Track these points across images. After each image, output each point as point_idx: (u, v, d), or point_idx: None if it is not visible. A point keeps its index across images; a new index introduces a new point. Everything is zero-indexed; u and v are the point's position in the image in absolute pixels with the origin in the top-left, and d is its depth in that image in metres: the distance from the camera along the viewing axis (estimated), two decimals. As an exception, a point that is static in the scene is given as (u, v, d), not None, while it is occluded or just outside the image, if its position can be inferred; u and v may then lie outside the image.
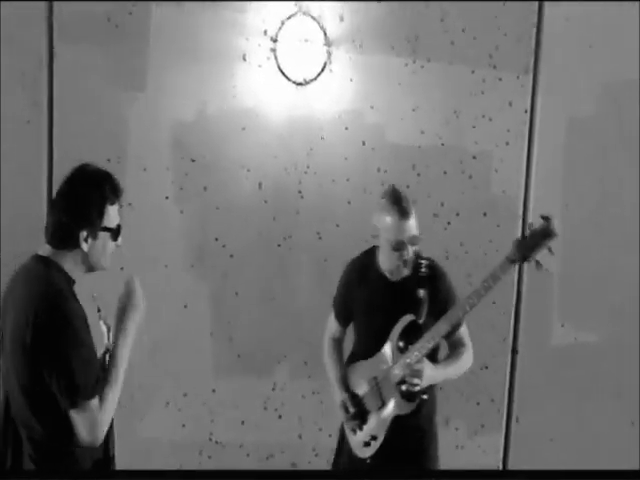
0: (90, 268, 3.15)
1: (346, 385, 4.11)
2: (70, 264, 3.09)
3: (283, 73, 4.92)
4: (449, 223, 5.17)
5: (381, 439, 3.96)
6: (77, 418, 2.97)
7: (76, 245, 3.06)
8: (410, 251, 3.79)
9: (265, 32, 4.91)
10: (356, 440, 4.07)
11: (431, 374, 3.76)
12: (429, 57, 5.04)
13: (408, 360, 3.78)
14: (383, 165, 5.07)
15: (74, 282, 3.10)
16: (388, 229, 3.77)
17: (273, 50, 4.91)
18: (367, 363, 4.02)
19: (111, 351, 3.16)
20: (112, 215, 3.13)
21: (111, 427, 3.15)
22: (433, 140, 5.09)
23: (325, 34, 4.92)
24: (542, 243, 3.51)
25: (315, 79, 4.96)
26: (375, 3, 4.98)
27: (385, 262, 3.89)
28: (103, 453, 3.19)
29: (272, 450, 5.25)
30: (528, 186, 5.20)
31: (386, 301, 3.91)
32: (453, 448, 5.28)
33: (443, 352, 4.03)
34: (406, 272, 3.86)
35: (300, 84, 4.95)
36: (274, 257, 5.10)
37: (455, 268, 5.00)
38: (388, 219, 3.76)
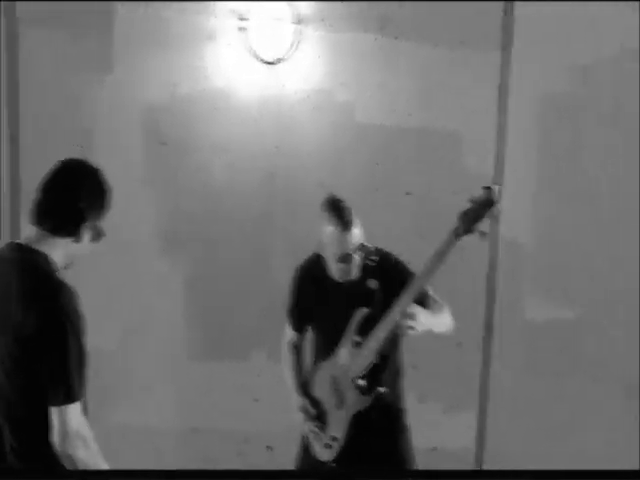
0: (70, 262, 3.12)
1: (304, 390, 4.09)
2: (57, 253, 3.06)
3: (253, 52, 4.93)
4: (421, 201, 5.20)
5: (341, 440, 3.93)
6: (63, 415, 2.95)
7: (73, 234, 3.05)
8: (357, 258, 3.75)
9: (234, 11, 4.90)
10: (318, 443, 4.04)
11: (424, 320, 3.64)
12: (398, 34, 5.06)
13: (365, 352, 3.76)
14: (354, 143, 5.10)
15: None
16: (332, 242, 3.71)
17: (243, 29, 4.92)
18: (327, 364, 3.98)
19: None
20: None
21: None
22: (404, 117, 5.13)
23: (295, 12, 4.92)
24: (484, 213, 3.48)
25: (285, 58, 4.97)
26: (343, -20, 4.99)
27: (333, 270, 3.84)
28: None
29: (248, 434, 5.28)
30: (499, 161, 5.23)
31: (339, 301, 3.87)
32: (428, 426, 5.29)
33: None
34: (355, 275, 3.82)
35: (270, 63, 4.97)
36: (247, 239, 5.13)
37: (429, 247, 5.04)
38: (331, 232, 3.69)
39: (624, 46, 5.19)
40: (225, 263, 5.13)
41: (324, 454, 4.00)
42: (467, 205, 3.52)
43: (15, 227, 4.94)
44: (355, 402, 3.86)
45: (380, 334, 3.70)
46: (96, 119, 4.90)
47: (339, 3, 4.98)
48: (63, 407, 2.94)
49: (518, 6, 5.12)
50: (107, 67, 4.88)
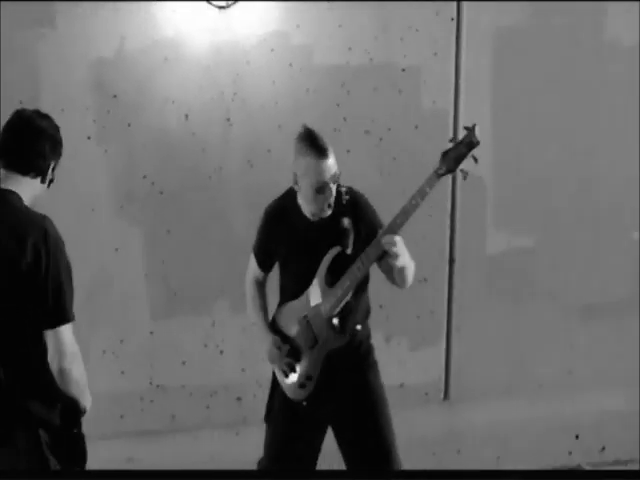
0: (34, 204, 3.33)
1: (274, 329, 4.09)
2: (25, 193, 3.29)
3: (203, -4, 4.79)
4: (381, 139, 5.18)
5: (316, 378, 3.96)
6: (59, 337, 3.19)
7: (40, 173, 3.32)
8: (333, 190, 3.75)
9: (179, -47, 4.71)
10: (289, 383, 4.04)
11: (406, 251, 3.69)
12: (353, -30, 4.97)
13: (339, 291, 3.78)
14: (312, 85, 5.03)
15: None
16: (308, 172, 3.70)
17: (191, -28, 4.72)
18: (296, 303, 3.99)
19: None
20: None
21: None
22: (361, 56, 5.07)
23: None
24: (466, 153, 3.55)
25: (237, 1, 4.81)
26: None
27: (308, 206, 3.83)
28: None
29: (215, 387, 5.24)
30: (458, 97, 5.24)
31: (310, 240, 3.87)
32: (395, 364, 5.35)
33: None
34: (329, 212, 3.81)
35: (222, 7, 4.81)
36: (205, 190, 5.03)
37: (389, 184, 5.06)
38: (307, 162, 3.69)
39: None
40: (183, 216, 5.02)
41: (297, 394, 4.03)
42: (448, 145, 3.61)
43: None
44: (331, 341, 3.89)
45: (357, 272, 3.74)
46: (41, 75, 4.68)
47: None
48: (59, 328, 3.19)
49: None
50: (49, 20, 4.64)
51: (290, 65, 4.97)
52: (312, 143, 3.68)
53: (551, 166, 5.46)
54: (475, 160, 3.56)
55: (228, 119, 4.95)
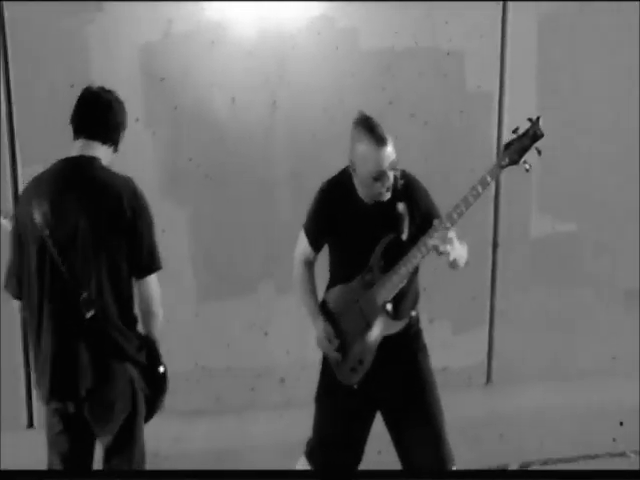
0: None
1: (324, 310, 4.09)
2: (104, 160, 3.68)
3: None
4: (426, 123, 5.20)
5: (369, 363, 3.96)
6: (150, 284, 3.66)
7: (115, 142, 3.74)
8: (391, 177, 3.72)
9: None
10: (341, 367, 4.04)
11: (458, 247, 3.71)
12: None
13: (394, 277, 3.78)
14: (358, 69, 5.06)
15: None
16: (366, 160, 3.68)
17: (237, -42, 4.77)
18: (348, 287, 3.97)
19: None
20: None
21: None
22: (407, 40, 5.08)
23: None
24: (530, 145, 3.56)
25: (283, -15, 4.86)
26: None
27: (365, 191, 3.81)
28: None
29: (260, 370, 5.30)
30: (503, 81, 5.23)
31: (365, 223, 3.85)
32: (439, 346, 5.33)
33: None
34: (388, 196, 3.79)
35: (269, -9, 4.84)
36: (250, 173, 5.07)
37: (434, 168, 5.06)
38: (365, 149, 3.67)
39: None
40: (229, 198, 5.07)
41: (348, 377, 4.02)
42: (512, 137, 3.59)
43: (14, 164, 4.86)
44: (386, 327, 3.89)
45: (414, 260, 3.73)
46: (90, 59, 4.75)
47: None
48: (151, 275, 3.66)
49: None
50: (98, 6, 4.71)
51: (336, 49, 4.99)
52: (370, 131, 3.65)
53: (596, 150, 5.44)
54: (539, 152, 3.57)
55: (274, 102, 4.99)
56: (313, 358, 4.91)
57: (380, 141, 3.64)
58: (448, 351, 5.42)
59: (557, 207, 5.47)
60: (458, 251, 3.72)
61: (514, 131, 3.60)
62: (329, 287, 4.10)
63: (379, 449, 4.26)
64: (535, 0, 5.18)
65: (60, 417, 3.75)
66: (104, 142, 3.69)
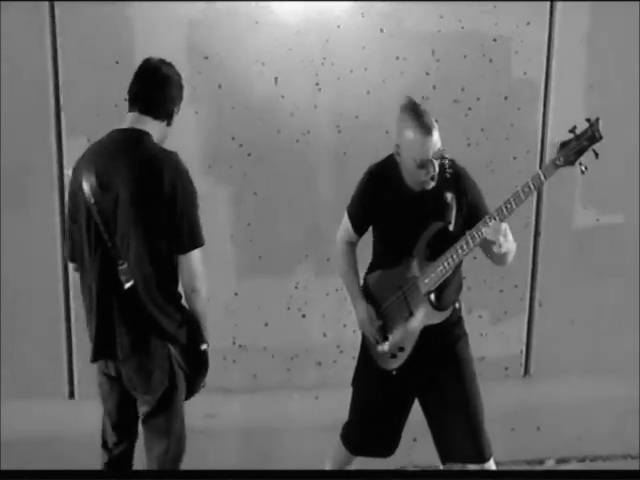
0: (162, 143, 3.82)
1: (365, 293, 4.10)
2: (155, 134, 3.78)
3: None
4: (470, 109, 5.16)
5: (409, 350, 3.97)
6: (192, 260, 3.70)
7: (168, 117, 3.84)
8: (436, 165, 3.72)
9: None
10: (381, 352, 4.06)
11: (511, 238, 3.71)
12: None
13: (439, 267, 3.79)
14: (402, 52, 5.04)
15: None
16: (412, 147, 3.69)
17: (282, -62, 4.79)
18: (391, 273, 3.99)
19: None
20: None
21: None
22: (452, 24, 5.04)
23: None
24: (588, 147, 3.53)
25: (328, -34, 4.85)
26: None
27: (410, 177, 3.81)
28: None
29: (296, 350, 5.32)
30: (549, 68, 5.17)
31: (411, 210, 3.86)
32: (477, 336, 5.34)
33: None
34: (433, 184, 3.79)
35: (315, -28, 4.85)
36: (293, 154, 5.09)
37: (477, 155, 5.05)
38: (411, 136, 3.67)
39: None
40: (270, 178, 5.09)
41: (388, 363, 4.05)
42: (569, 136, 3.55)
43: (59, 136, 4.93)
44: (428, 317, 3.90)
45: (461, 251, 3.73)
46: (135, 37, 4.81)
47: None
48: (194, 251, 3.71)
49: None
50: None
51: (381, 31, 4.97)
52: (417, 118, 3.65)
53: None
54: (596, 155, 3.55)
55: (317, 83, 4.99)
56: (349, 341, 4.96)
57: (427, 129, 3.64)
58: (486, 341, 5.40)
59: (600, 198, 5.38)
60: (510, 244, 3.72)
61: (571, 130, 3.55)
62: (370, 270, 4.13)
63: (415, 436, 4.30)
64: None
65: (106, 377, 3.89)
66: (155, 117, 3.78)
